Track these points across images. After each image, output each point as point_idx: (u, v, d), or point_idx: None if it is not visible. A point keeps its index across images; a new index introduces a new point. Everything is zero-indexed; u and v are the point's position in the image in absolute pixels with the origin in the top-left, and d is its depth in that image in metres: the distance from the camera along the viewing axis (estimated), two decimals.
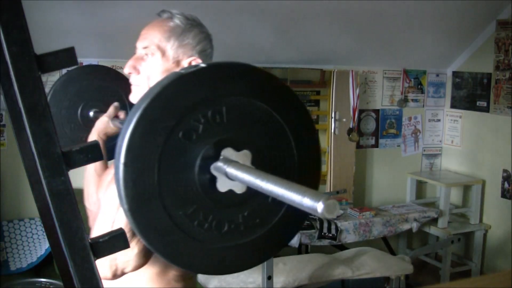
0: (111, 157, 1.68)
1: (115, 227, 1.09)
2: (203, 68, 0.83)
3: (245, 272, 2.87)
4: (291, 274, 2.91)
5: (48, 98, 1.74)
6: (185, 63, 1.31)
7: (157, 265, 1.29)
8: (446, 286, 3.41)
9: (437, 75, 4.66)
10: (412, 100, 4.59)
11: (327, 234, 3.45)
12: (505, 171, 4.15)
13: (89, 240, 0.73)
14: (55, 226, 0.70)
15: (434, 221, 4.14)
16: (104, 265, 1.11)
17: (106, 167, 1.56)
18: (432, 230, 4.20)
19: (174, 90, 0.81)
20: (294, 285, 2.88)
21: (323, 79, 4.33)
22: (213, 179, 0.83)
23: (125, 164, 0.79)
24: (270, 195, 0.74)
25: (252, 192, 0.83)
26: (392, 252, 3.87)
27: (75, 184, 0.74)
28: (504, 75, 4.11)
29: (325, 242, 3.48)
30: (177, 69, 1.27)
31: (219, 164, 0.82)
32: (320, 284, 3.00)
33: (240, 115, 0.85)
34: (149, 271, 1.29)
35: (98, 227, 1.11)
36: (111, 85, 1.79)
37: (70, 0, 2.94)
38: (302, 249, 3.73)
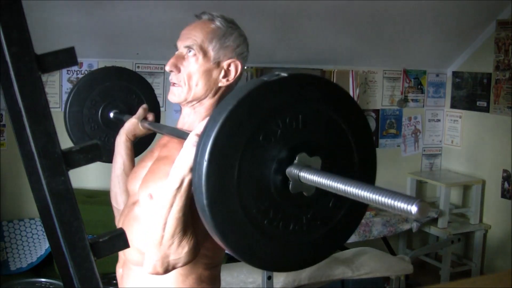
0: (137, 154, 1.69)
1: (168, 228, 1.14)
2: (285, 77, 0.89)
3: (245, 272, 2.88)
4: (291, 274, 2.90)
5: (71, 96, 1.77)
6: (225, 65, 1.36)
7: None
8: (446, 286, 3.41)
9: (437, 75, 4.66)
10: (412, 100, 4.59)
11: None
12: (505, 171, 4.15)
13: (89, 240, 0.73)
14: (55, 226, 0.70)
15: (434, 221, 4.14)
16: (156, 263, 1.18)
17: (133, 166, 1.60)
18: (432, 230, 4.20)
19: (258, 95, 0.88)
20: (294, 285, 2.88)
21: None
22: (286, 181, 0.90)
23: (209, 161, 0.85)
24: (353, 198, 0.79)
25: (316, 196, 0.93)
26: (392, 252, 3.87)
27: (75, 184, 0.74)
28: (504, 75, 4.11)
29: None
30: (217, 70, 1.35)
31: (294, 167, 0.89)
32: (320, 284, 3.00)
33: (313, 122, 0.93)
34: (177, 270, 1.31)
35: (151, 229, 1.17)
36: (133, 88, 1.83)
37: (70, 0, 2.94)
38: None
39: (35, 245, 3.39)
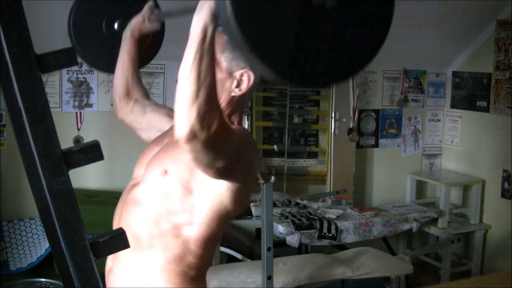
0: (144, 63, 1.70)
1: (203, 78, 1.12)
2: None
3: (245, 272, 2.87)
4: (291, 274, 2.90)
5: (75, 7, 1.76)
6: (237, 75, 1.37)
7: (174, 250, 1.32)
8: (446, 286, 3.41)
9: (437, 75, 4.66)
10: (412, 100, 4.59)
11: (327, 234, 3.45)
12: (505, 171, 4.15)
13: (89, 240, 0.73)
14: (55, 226, 0.70)
15: (434, 221, 4.14)
16: (194, 120, 1.12)
17: (133, 64, 1.62)
18: (432, 230, 4.20)
19: None
20: (294, 285, 2.88)
21: None
22: None
23: None
24: None
25: (338, 12, 0.94)
26: (392, 252, 3.87)
27: (75, 184, 0.74)
28: (504, 75, 4.11)
29: (325, 242, 3.48)
30: (230, 80, 1.37)
31: None
32: (320, 284, 3.00)
33: None
34: (165, 255, 1.32)
35: (181, 88, 1.13)
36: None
37: (70, 0, 2.94)
38: (302, 249, 3.73)
39: (35, 245, 3.39)
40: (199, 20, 1.11)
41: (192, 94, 1.12)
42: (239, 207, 1.37)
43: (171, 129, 1.49)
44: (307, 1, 0.91)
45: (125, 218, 1.35)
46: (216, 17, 1.10)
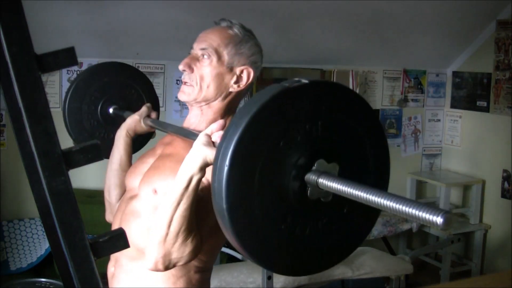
0: (134, 151, 1.67)
1: (173, 226, 1.16)
2: (306, 84, 0.90)
3: (245, 272, 2.88)
4: None
5: (70, 92, 1.76)
6: (237, 71, 1.38)
7: None
8: (446, 286, 3.41)
9: (437, 75, 4.66)
10: (412, 100, 4.59)
11: None
12: (505, 171, 4.15)
13: (89, 240, 0.73)
14: (55, 226, 0.70)
15: None
16: (158, 260, 1.19)
17: (130, 162, 1.61)
18: (432, 230, 4.20)
19: (281, 101, 0.88)
20: (294, 285, 2.88)
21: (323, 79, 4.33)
22: (305, 187, 0.91)
23: (231, 165, 0.85)
24: (375, 207, 0.80)
25: (332, 202, 0.94)
26: (392, 252, 3.87)
27: (75, 184, 0.74)
28: (504, 75, 4.11)
29: None
30: (230, 75, 1.37)
31: (313, 174, 0.90)
32: (320, 284, 3.00)
33: (331, 129, 0.93)
34: None
35: (155, 226, 1.19)
36: (132, 83, 1.82)
37: (70, 0, 2.94)
38: None
39: (35, 245, 3.39)
40: (188, 169, 1.13)
41: (161, 236, 1.17)
42: None
43: (165, 137, 1.49)
44: (304, 198, 0.91)
45: (125, 229, 1.34)
46: (204, 170, 1.13)
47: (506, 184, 4.15)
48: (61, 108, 1.83)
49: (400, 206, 0.76)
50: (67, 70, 3.50)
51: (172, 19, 3.22)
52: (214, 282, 2.81)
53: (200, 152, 1.11)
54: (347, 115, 0.95)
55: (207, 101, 1.39)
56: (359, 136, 0.97)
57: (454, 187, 4.43)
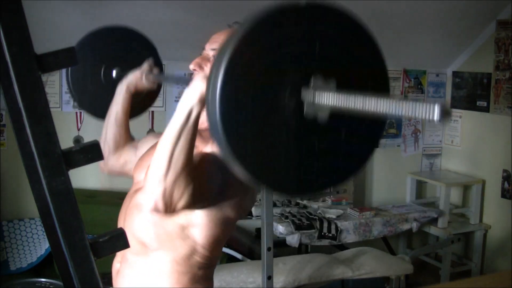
0: (136, 114, 1.68)
1: (175, 161, 1.14)
2: (304, 5, 0.90)
3: (245, 272, 2.88)
4: (291, 274, 2.90)
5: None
6: None
7: (181, 251, 1.31)
8: (446, 286, 3.41)
9: (437, 75, 4.66)
10: (412, 100, 4.59)
11: (327, 234, 3.45)
12: (505, 171, 4.15)
13: (89, 240, 0.73)
14: (55, 226, 0.70)
15: (434, 221, 4.14)
16: (158, 198, 1.17)
17: (126, 118, 1.62)
18: (432, 230, 4.20)
19: (279, 16, 0.88)
20: (294, 285, 2.88)
21: None
22: (301, 104, 0.90)
23: (226, 71, 0.84)
24: (372, 112, 0.79)
25: (328, 126, 0.92)
26: (392, 252, 3.87)
27: (75, 184, 0.74)
28: (504, 75, 4.11)
29: (325, 242, 3.48)
30: None
31: (309, 89, 0.89)
32: (320, 284, 3.00)
33: (329, 47, 0.93)
34: (173, 256, 1.31)
35: (154, 163, 1.16)
36: (136, 47, 1.81)
37: (70, 0, 2.94)
38: (302, 249, 3.73)
39: (35, 245, 3.39)
40: (187, 101, 1.13)
41: (161, 172, 1.15)
42: (241, 213, 1.37)
43: None
44: (300, 116, 0.90)
45: (129, 224, 1.35)
46: (203, 103, 1.11)
47: (506, 184, 4.15)
48: (65, 73, 1.82)
49: (395, 106, 0.76)
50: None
51: (172, 19, 3.22)
52: (214, 282, 2.81)
53: (199, 84, 1.11)
54: (344, 33, 0.95)
55: None
56: (356, 54, 0.97)
57: (454, 187, 4.43)
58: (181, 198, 1.19)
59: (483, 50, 4.28)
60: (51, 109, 0.70)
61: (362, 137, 0.99)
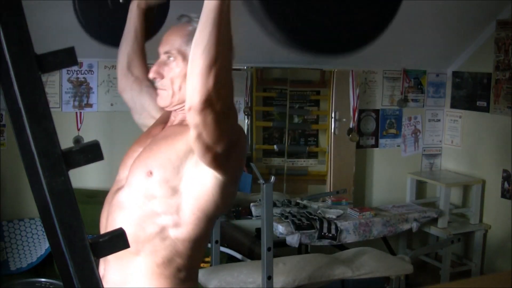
0: (150, 34, 1.67)
1: (221, 46, 1.08)
2: None
3: (245, 272, 2.87)
4: (291, 274, 2.90)
5: None
6: None
7: (161, 253, 1.30)
8: (446, 286, 3.41)
9: (437, 75, 4.66)
10: (412, 100, 4.59)
11: (327, 234, 3.45)
12: (505, 171, 4.15)
13: (89, 240, 0.73)
14: (55, 226, 0.70)
15: (434, 221, 4.14)
16: (209, 88, 1.08)
17: (144, 33, 1.61)
18: (432, 230, 4.20)
19: None
20: (294, 285, 2.88)
21: (323, 79, 4.33)
22: None
23: None
24: None
25: None
26: (392, 252, 3.87)
27: (75, 184, 0.74)
28: (504, 75, 4.11)
29: (325, 242, 3.48)
30: None
31: None
32: (320, 284, 3.00)
33: None
34: (153, 259, 1.30)
35: (196, 56, 1.09)
36: None
37: (70, 0, 2.94)
38: (302, 249, 3.73)
39: (35, 245, 3.39)
40: None
41: (211, 59, 1.07)
42: (228, 202, 1.35)
43: (154, 128, 1.48)
44: None
45: (111, 223, 1.33)
46: None
47: (506, 184, 4.15)
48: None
49: None
50: (67, 70, 3.50)
51: (171, 19, 3.22)
52: (214, 282, 2.81)
53: None
54: None
55: (183, 103, 1.33)
56: None
57: (454, 187, 4.43)
58: (230, 87, 1.13)
59: (483, 50, 4.28)
60: (51, 109, 0.70)
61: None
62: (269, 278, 2.61)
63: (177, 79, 1.35)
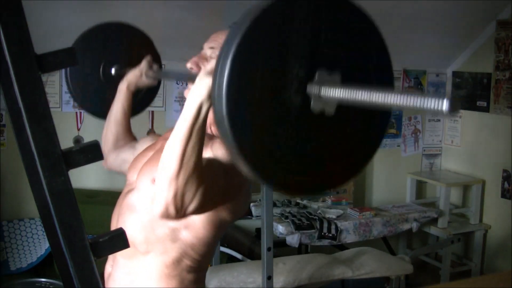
0: (136, 111, 1.69)
1: (187, 160, 1.10)
2: None
3: (245, 272, 2.88)
4: (291, 274, 2.90)
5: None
6: None
7: (171, 254, 1.30)
8: (446, 286, 3.41)
9: (437, 75, 4.66)
10: None
11: (327, 234, 3.45)
12: (505, 171, 4.15)
13: (89, 240, 0.73)
14: (55, 226, 0.70)
15: (434, 221, 4.14)
16: (169, 201, 1.13)
17: (127, 118, 1.65)
18: (432, 230, 4.20)
19: (281, 9, 0.87)
20: (294, 285, 2.88)
21: None
22: (307, 99, 0.89)
23: (231, 69, 0.83)
24: (380, 105, 0.78)
25: (334, 119, 0.91)
26: (392, 252, 3.87)
27: (75, 184, 0.74)
28: (504, 75, 4.11)
29: (325, 242, 3.48)
30: None
31: (315, 84, 0.88)
32: (320, 284, 3.00)
33: (331, 39, 0.91)
34: (163, 260, 1.30)
35: (165, 163, 1.13)
36: (132, 42, 1.81)
37: (70, 0, 2.94)
38: (302, 249, 3.73)
39: (35, 245, 3.39)
40: (196, 97, 1.10)
41: (173, 173, 1.12)
42: (236, 216, 1.36)
43: (169, 132, 1.48)
44: (306, 109, 0.89)
45: (121, 224, 1.33)
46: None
47: (506, 184, 4.15)
48: (64, 72, 1.82)
49: (404, 98, 0.74)
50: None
51: (172, 19, 3.22)
52: (214, 282, 2.81)
53: (206, 79, 1.08)
54: (348, 26, 0.94)
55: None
56: (360, 47, 0.96)
57: (454, 187, 4.43)
58: (193, 200, 1.16)
59: (483, 50, 4.28)
60: (51, 109, 0.70)
61: (367, 131, 0.98)
62: (269, 278, 2.61)
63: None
